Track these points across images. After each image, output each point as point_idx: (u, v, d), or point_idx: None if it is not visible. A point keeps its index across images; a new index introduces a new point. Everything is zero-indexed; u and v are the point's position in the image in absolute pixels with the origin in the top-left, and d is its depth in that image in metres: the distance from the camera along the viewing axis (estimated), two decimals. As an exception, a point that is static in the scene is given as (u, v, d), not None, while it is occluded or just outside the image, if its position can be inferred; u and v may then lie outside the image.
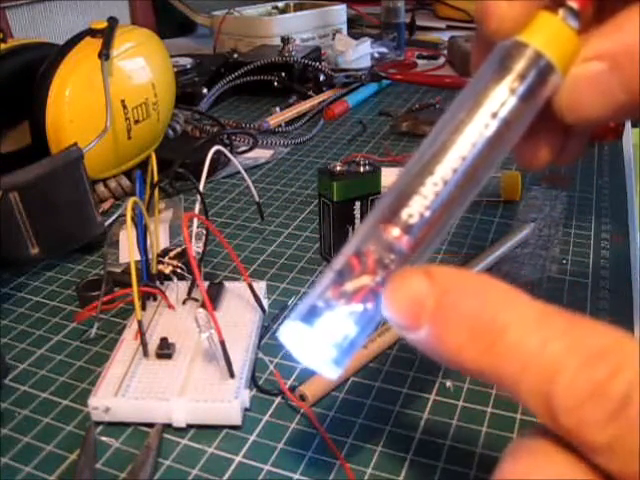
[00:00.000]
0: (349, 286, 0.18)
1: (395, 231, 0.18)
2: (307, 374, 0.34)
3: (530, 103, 0.18)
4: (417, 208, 0.18)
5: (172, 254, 0.40)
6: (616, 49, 0.17)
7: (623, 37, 0.17)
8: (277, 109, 0.75)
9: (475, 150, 0.18)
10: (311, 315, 0.18)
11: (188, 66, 0.82)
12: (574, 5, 0.18)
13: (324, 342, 0.18)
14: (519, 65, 0.18)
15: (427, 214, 0.18)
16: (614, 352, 0.15)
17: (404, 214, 0.18)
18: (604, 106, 0.17)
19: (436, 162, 0.18)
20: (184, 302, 0.38)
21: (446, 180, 0.18)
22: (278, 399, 0.33)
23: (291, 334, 0.19)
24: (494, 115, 0.18)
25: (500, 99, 0.18)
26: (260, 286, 0.39)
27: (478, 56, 0.21)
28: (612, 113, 0.18)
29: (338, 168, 0.42)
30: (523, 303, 0.17)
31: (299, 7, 1.09)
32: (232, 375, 0.32)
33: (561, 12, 0.18)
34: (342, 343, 0.18)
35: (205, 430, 0.31)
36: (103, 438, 0.31)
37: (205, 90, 0.80)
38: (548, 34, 0.18)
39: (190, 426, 0.31)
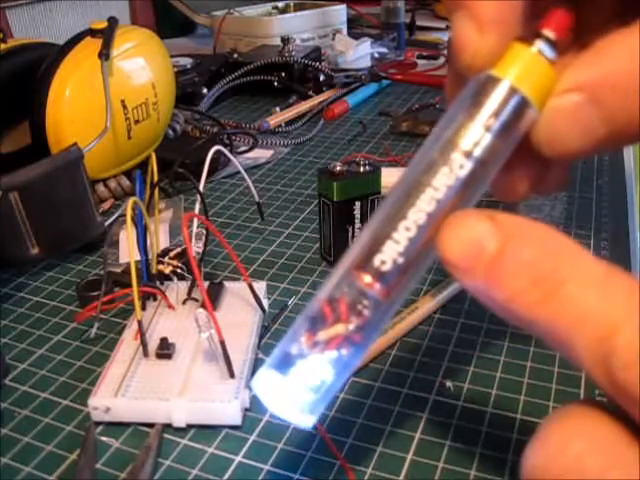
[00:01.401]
0: (322, 335, 0.17)
1: (367, 278, 0.17)
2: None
3: (506, 140, 0.17)
4: (390, 254, 0.17)
5: (172, 254, 0.40)
6: (595, 80, 0.16)
7: (602, 67, 0.16)
8: (277, 109, 0.75)
9: (450, 192, 0.17)
10: (284, 364, 0.18)
11: (188, 66, 0.82)
12: (551, 35, 0.17)
13: (298, 391, 0.17)
14: (493, 101, 0.17)
15: (400, 260, 0.17)
16: None
17: (376, 260, 0.17)
18: (583, 140, 0.17)
19: (409, 205, 0.17)
20: (184, 302, 0.38)
21: (419, 224, 0.17)
22: (278, 399, 0.33)
23: (264, 383, 0.18)
24: (468, 155, 0.17)
25: (474, 138, 0.17)
26: (260, 286, 0.39)
27: (452, 89, 0.20)
28: (592, 146, 0.17)
29: (338, 168, 0.42)
30: (588, 260, 0.16)
31: (299, 7, 1.09)
32: (232, 375, 0.32)
33: (536, 43, 0.17)
34: (317, 391, 0.17)
35: (205, 430, 0.31)
36: (103, 438, 0.31)
37: (205, 90, 0.80)
38: (523, 67, 0.17)
39: (190, 426, 0.31)
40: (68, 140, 0.48)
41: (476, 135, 0.17)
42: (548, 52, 0.17)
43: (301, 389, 0.18)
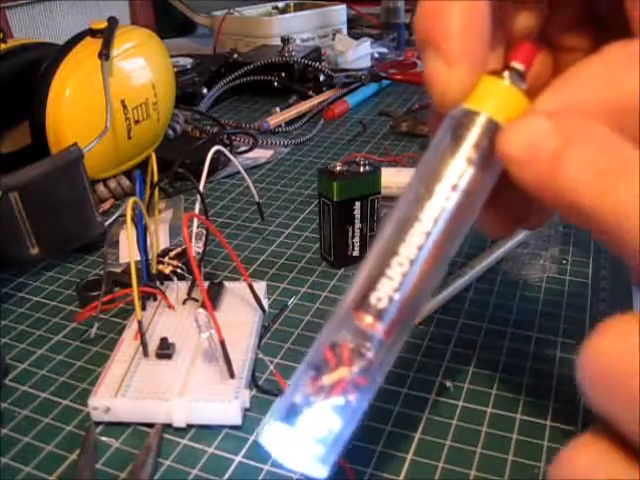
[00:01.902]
0: (326, 380, 0.17)
1: (368, 318, 0.17)
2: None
3: (488, 170, 0.17)
4: (385, 291, 0.17)
5: (172, 254, 0.40)
6: (564, 108, 0.16)
7: (571, 93, 0.16)
8: (277, 109, 0.75)
9: (438, 225, 0.17)
10: (291, 414, 0.17)
11: (188, 66, 0.82)
12: (520, 67, 0.18)
13: (308, 441, 0.17)
14: (473, 134, 0.17)
15: (397, 297, 0.17)
16: None
17: (373, 299, 0.17)
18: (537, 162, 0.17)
19: (400, 241, 0.17)
20: (184, 302, 0.38)
21: (412, 259, 0.17)
22: (278, 399, 0.33)
23: (273, 437, 0.18)
24: (454, 187, 0.17)
25: (458, 171, 0.17)
26: (260, 286, 0.39)
27: (434, 122, 0.20)
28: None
29: (338, 168, 0.42)
30: None
31: (299, 7, 1.09)
32: (232, 375, 0.32)
33: (507, 75, 0.17)
34: (327, 440, 0.17)
35: (205, 430, 0.31)
36: (103, 438, 0.31)
37: (205, 90, 0.80)
38: (497, 99, 0.17)
39: (190, 426, 0.31)
40: (68, 140, 0.48)
41: (460, 168, 0.17)
42: (519, 83, 0.18)
43: (310, 439, 0.17)
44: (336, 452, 0.18)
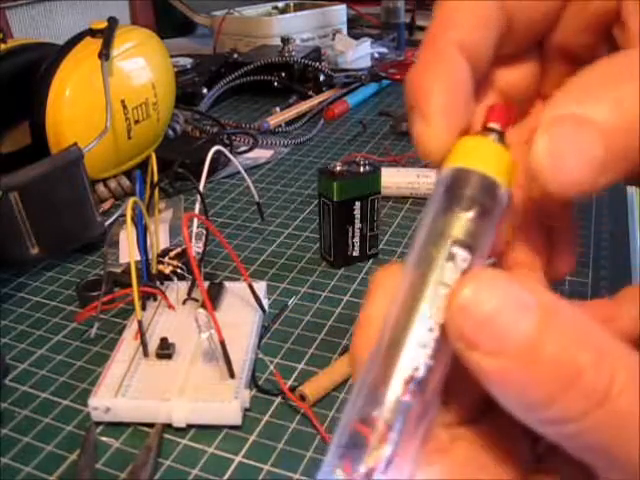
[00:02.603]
0: (367, 461, 0.15)
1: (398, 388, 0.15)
2: (307, 374, 0.34)
3: (487, 222, 0.18)
4: (419, 359, 0.15)
5: (172, 254, 0.40)
6: (583, 104, 0.16)
7: (588, 94, 0.16)
8: (277, 109, 0.75)
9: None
10: None
11: (188, 66, 0.82)
12: (496, 127, 0.18)
13: None
14: (466, 191, 0.17)
15: (430, 362, 0.15)
16: None
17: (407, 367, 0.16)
18: (589, 166, 0.16)
19: (420, 303, 0.16)
20: (184, 302, 0.38)
21: (438, 322, 0.16)
22: (278, 399, 0.33)
23: None
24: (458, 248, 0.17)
25: (458, 230, 0.17)
26: (260, 286, 0.39)
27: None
28: (599, 174, 0.16)
29: (338, 168, 0.42)
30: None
31: (299, 7, 1.09)
32: (232, 375, 0.32)
33: (487, 134, 0.18)
34: None
35: (205, 430, 0.31)
36: (103, 438, 0.31)
37: (205, 90, 0.80)
38: (481, 154, 0.18)
39: (190, 426, 0.31)
40: (68, 140, 0.48)
41: (461, 225, 0.17)
42: (498, 140, 0.19)
43: None
44: None
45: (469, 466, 0.16)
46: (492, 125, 0.18)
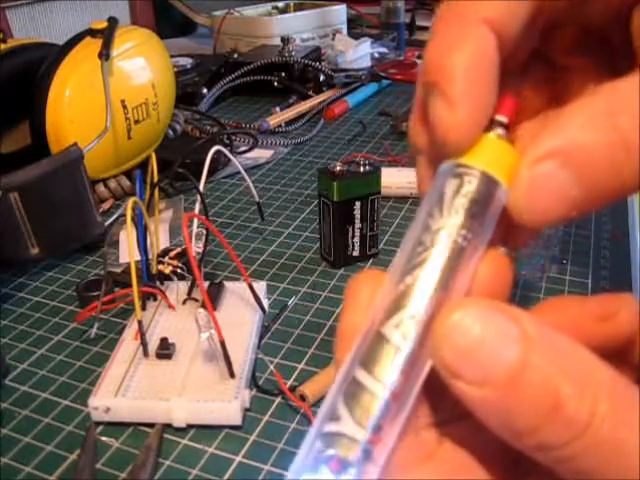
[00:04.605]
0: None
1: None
2: (307, 374, 0.34)
3: (484, 221, 0.17)
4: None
5: (172, 254, 0.40)
6: (565, 146, 0.16)
7: (570, 133, 0.16)
8: (277, 109, 0.75)
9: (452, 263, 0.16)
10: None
11: (188, 66, 0.82)
12: (504, 120, 0.18)
13: None
14: (467, 188, 0.17)
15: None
16: None
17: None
18: (562, 205, 0.16)
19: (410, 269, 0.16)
20: (184, 302, 0.38)
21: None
22: (278, 399, 0.33)
23: None
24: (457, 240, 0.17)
25: (455, 229, 0.17)
26: (260, 286, 0.39)
27: (425, 178, 0.19)
28: (571, 210, 0.17)
29: (338, 168, 0.42)
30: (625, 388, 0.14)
31: (299, 7, 1.09)
32: (232, 375, 0.32)
33: (493, 128, 0.17)
34: None
35: (205, 430, 0.31)
36: (103, 438, 0.31)
37: (205, 90, 0.80)
38: (487, 152, 0.17)
39: (190, 426, 0.31)
40: (68, 140, 0.48)
41: (457, 224, 0.17)
42: (504, 134, 0.18)
43: None
44: None
45: (455, 472, 0.16)
46: (499, 118, 0.18)
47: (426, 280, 0.16)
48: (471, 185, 0.17)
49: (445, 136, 0.17)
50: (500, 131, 0.18)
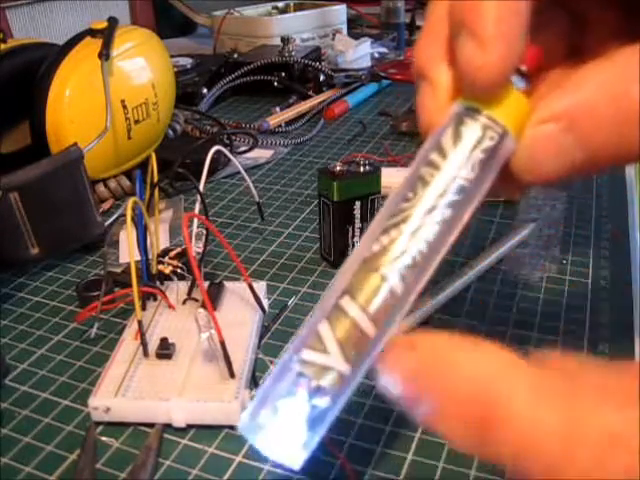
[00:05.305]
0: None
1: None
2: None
3: (486, 171, 0.17)
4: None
5: (172, 254, 0.40)
6: (572, 109, 0.16)
7: (580, 96, 0.16)
8: (277, 109, 0.75)
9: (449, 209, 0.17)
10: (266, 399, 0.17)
11: (188, 66, 0.82)
12: (523, 68, 0.18)
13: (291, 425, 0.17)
14: (473, 133, 0.17)
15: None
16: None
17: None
18: (561, 166, 0.16)
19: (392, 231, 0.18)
20: (184, 302, 0.38)
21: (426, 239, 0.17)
22: (278, 399, 0.33)
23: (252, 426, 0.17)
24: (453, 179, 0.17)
25: (457, 171, 0.17)
26: (260, 286, 0.39)
27: (431, 110, 0.19)
28: (570, 172, 0.17)
29: (338, 168, 0.42)
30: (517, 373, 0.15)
31: (299, 7, 1.09)
32: (232, 375, 0.32)
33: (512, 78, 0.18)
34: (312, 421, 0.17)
35: (205, 430, 0.31)
36: (103, 438, 0.31)
37: (205, 90, 0.80)
38: (499, 99, 0.17)
39: (190, 426, 0.31)
40: (68, 140, 0.48)
41: (458, 165, 0.17)
42: (520, 83, 0.18)
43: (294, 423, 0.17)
44: (319, 435, 0.17)
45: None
46: (522, 68, 0.18)
47: (416, 225, 0.17)
48: (492, 142, 0.17)
49: (475, 76, 0.16)
50: (522, 82, 0.18)
